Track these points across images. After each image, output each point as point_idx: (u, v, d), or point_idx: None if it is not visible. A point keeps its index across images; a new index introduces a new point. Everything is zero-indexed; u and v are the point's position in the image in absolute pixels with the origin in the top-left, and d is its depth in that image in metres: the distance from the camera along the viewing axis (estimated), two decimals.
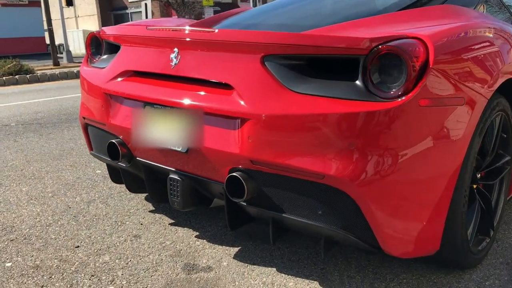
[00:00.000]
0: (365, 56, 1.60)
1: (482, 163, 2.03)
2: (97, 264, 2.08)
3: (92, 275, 1.99)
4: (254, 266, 2.07)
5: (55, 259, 2.12)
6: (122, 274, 2.00)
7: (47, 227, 2.45)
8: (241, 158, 1.76)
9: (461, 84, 1.66)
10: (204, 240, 2.30)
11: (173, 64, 1.98)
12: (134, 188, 2.47)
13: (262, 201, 1.83)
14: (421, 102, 1.55)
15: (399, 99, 1.54)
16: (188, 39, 1.92)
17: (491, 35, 2.00)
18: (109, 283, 1.94)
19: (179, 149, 1.91)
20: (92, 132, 2.52)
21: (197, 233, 2.38)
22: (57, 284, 1.92)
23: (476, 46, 1.82)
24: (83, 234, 2.38)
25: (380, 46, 1.57)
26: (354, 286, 1.93)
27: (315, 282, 1.95)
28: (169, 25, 2.48)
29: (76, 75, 11.33)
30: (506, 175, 2.21)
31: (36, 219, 2.56)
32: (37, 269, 2.03)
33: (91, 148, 2.63)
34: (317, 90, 1.65)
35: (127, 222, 2.51)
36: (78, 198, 2.86)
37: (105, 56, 2.52)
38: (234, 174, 1.78)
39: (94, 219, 2.55)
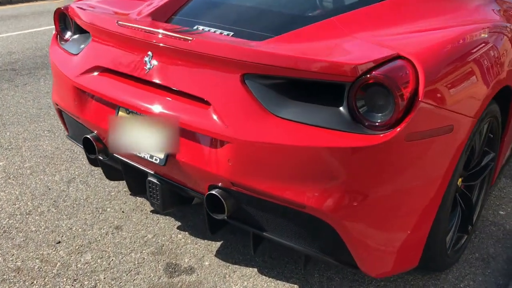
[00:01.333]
0: (351, 83, 1.50)
1: (467, 168, 2.00)
2: (79, 265, 2.08)
3: (74, 280, 2.00)
4: (235, 266, 2.09)
5: (37, 258, 2.12)
6: (104, 278, 2.01)
7: (27, 216, 2.43)
8: (221, 178, 1.70)
9: (451, 111, 1.58)
10: (186, 233, 2.30)
11: (147, 68, 1.84)
12: (112, 177, 2.41)
13: (242, 218, 1.80)
14: (407, 136, 1.47)
15: (386, 132, 1.46)
16: (161, 45, 1.76)
17: (487, 36, 1.89)
18: None
19: (155, 162, 1.84)
20: (67, 118, 2.41)
21: (179, 223, 2.37)
22: None
23: (471, 58, 1.71)
24: (63, 225, 2.36)
25: (366, 75, 1.46)
26: None
27: (295, 286, 1.99)
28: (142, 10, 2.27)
29: None
30: (490, 170, 2.19)
31: (16, 205, 2.52)
32: (18, 273, 2.03)
33: (68, 131, 2.53)
34: (300, 116, 1.56)
35: (108, 209, 2.49)
36: (57, 176, 2.81)
37: (75, 36, 2.35)
38: (213, 192, 1.73)
39: (75, 205, 2.52)
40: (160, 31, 1.78)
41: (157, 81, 1.81)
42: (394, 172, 1.52)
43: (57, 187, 2.70)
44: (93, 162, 2.54)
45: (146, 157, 1.87)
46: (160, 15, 2.16)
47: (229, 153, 1.64)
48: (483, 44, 1.82)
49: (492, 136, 2.09)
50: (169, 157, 1.81)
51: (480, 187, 2.21)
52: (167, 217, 2.42)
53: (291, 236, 1.72)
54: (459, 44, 1.71)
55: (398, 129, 1.44)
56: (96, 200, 2.57)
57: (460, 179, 1.99)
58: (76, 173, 2.85)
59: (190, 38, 1.70)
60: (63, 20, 2.41)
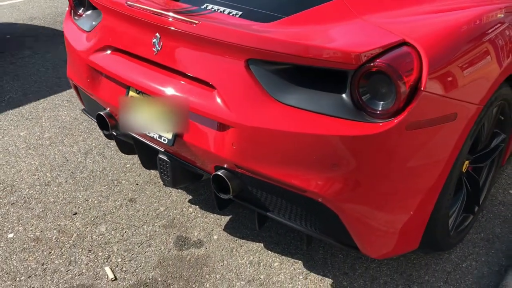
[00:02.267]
0: (354, 71, 1.50)
1: (474, 151, 2.00)
2: (94, 237, 2.19)
3: (89, 251, 2.11)
4: (243, 240, 2.17)
5: (54, 229, 2.24)
6: (117, 250, 2.12)
7: (46, 187, 2.54)
8: (226, 160, 1.74)
9: (455, 100, 1.57)
10: (197, 207, 2.38)
11: (155, 50, 1.86)
12: (126, 151, 2.48)
13: (247, 198, 1.86)
14: (408, 125, 1.48)
15: (387, 120, 1.47)
16: (168, 27, 1.78)
17: (500, 18, 1.84)
18: (105, 260, 2.06)
19: (164, 142, 1.89)
20: (82, 93, 2.46)
21: (190, 197, 2.45)
22: (56, 262, 2.05)
23: (479, 44, 1.68)
24: (80, 196, 2.46)
25: (369, 63, 1.46)
26: (336, 266, 2.04)
27: (299, 262, 2.06)
28: None
29: None
30: (499, 151, 2.18)
31: (35, 175, 2.63)
32: (37, 243, 2.15)
33: (83, 105, 2.59)
34: (304, 102, 1.58)
35: (123, 181, 2.58)
36: (75, 147, 2.90)
37: (88, 12, 2.37)
38: (219, 173, 1.78)
39: (91, 177, 2.62)
40: (167, 13, 1.79)
41: (164, 63, 1.84)
42: (395, 160, 1.54)
43: (75, 158, 2.80)
44: (108, 136, 2.61)
45: (155, 137, 1.92)
46: None
47: (233, 137, 1.67)
48: (495, 28, 1.77)
49: (503, 118, 2.06)
50: (176, 138, 1.85)
51: (488, 169, 2.20)
52: (179, 190, 2.50)
53: (293, 217, 1.77)
54: (469, 29, 1.68)
55: (398, 119, 1.45)
56: (111, 172, 2.66)
57: (466, 162, 1.99)
58: (93, 144, 2.93)
59: (196, 22, 1.71)
60: None
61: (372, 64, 1.46)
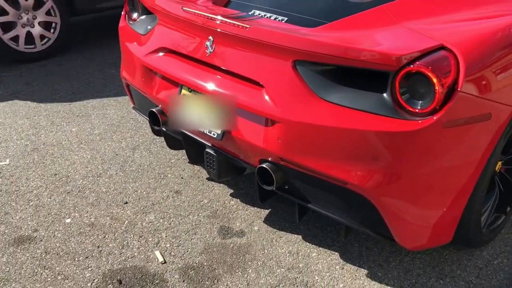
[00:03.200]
0: (394, 72, 1.62)
1: (507, 152, 2.08)
2: (143, 224, 2.36)
3: (140, 236, 2.28)
4: (282, 232, 2.30)
5: (107, 216, 2.42)
6: (166, 236, 2.28)
7: (98, 178, 2.73)
8: (271, 154, 1.89)
9: (489, 101, 1.68)
10: (238, 200, 2.53)
11: (208, 52, 2.03)
12: (173, 146, 2.65)
13: (289, 190, 1.99)
14: (446, 123, 1.59)
15: (425, 118, 1.59)
16: (222, 31, 1.94)
17: None
18: (155, 245, 2.23)
19: (213, 136, 2.05)
20: (133, 91, 2.65)
21: (232, 191, 2.60)
22: (110, 245, 2.22)
23: None
24: (130, 187, 2.64)
25: (410, 65, 1.59)
26: (371, 259, 2.15)
27: (336, 253, 2.18)
28: None
29: None
30: None
31: (88, 168, 2.83)
32: (92, 227, 2.33)
33: (133, 103, 2.78)
34: (346, 100, 1.71)
35: (169, 175, 2.75)
36: (123, 143, 3.10)
37: (143, 17, 2.56)
38: (264, 165, 1.93)
39: (140, 170, 2.80)
40: (220, 18, 1.95)
41: (216, 63, 2.00)
42: (431, 155, 1.65)
43: (124, 153, 2.99)
44: (156, 132, 2.78)
45: (205, 132, 2.08)
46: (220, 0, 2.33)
47: (279, 132, 1.82)
48: None
49: None
50: (225, 133, 2.01)
51: None
52: (221, 185, 2.65)
53: (334, 208, 1.90)
54: (503, 35, 1.78)
55: (436, 116, 1.57)
56: (158, 166, 2.84)
57: (499, 162, 2.08)
58: (140, 141, 3.12)
59: (248, 26, 1.86)
60: (132, 1, 2.62)
61: (412, 65, 1.59)
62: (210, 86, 2.00)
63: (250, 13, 2.14)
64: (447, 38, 1.69)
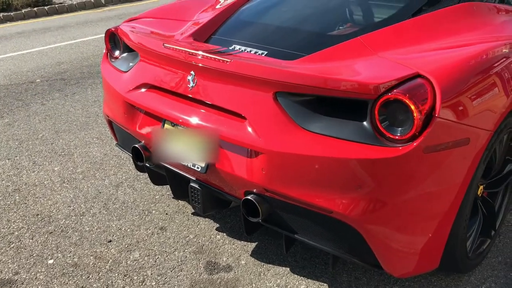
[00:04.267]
0: (373, 100, 1.65)
1: (488, 176, 2.12)
2: (128, 262, 2.32)
3: (125, 275, 2.23)
4: (270, 265, 2.28)
5: (91, 255, 2.37)
6: (151, 274, 2.24)
7: (81, 217, 2.69)
8: (255, 185, 1.89)
9: (467, 125, 1.71)
10: (224, 234, 2.51)
11: (190, 86, 2.05)
12: (157, 182, 2.63)
13: (275, 221, 1.99)
14: (425, 148, 1.62)
15: (406, 144, 1.61)
16: (203, 66, 1.97)
17: (507, 52, 2.00)
18: (140, 283, 2.18)
19: (197, 169, 2.04)
20: (116, 128, 2.65)
21: (218, 225, 2.58)
22: (94, 285, 2.17)
23: (488, 75, 1.84)
24: (114, 226, 2.60)
25: (388, 93, 1.62)
26: None
27: (325, 285, 2.15)
28: (187, 20, 2.49)
29: (94, 5, 11.17)
30: None
31: (70, 207, 2.79)
32: (76, 268, 2.28)
33: (116, 140, 2.77)
34: (328, 129, 1.73)
35: (153, 211, 2.72)
36: (107, 180, 3.07)
37: (124, 55, 2.59)
38: (249, 197, 1.92)
39: (123, 207, 2.77)
40: (201, 52, 1.98)
41: (199, 97, 2.02)
42: (413, 181, 1.67)
43: (107, 190, 2.96)
44: (140, 168, 2.77)
45: (189, 166, 2.08)
46: (200, 35, 2.38)
47: (262, 162, 1.82)
48: (502, 61, 1.93)
49: None
50: (209, 166, 2.01)
51: (503, 194, 2.31)
52: (207, 219, 2.63)
53: (320, 238, 1.89)
54: (477, 62, 1.84)
55: (416, 142, 1.59)
56: (142, 203, 2.81)
57: (481, 187, 2.10)
58: (124, 177, 3.10)
59: (229, 60, 1.89)
60: (113, 39, 2.66)
61: (390, 93, 1.62)
62: (193, 119, 2.01)
63: (230, 48, 2.18)
64: (422, 66, 1.74)
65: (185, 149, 2.09)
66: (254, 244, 2.42)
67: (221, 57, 1.92)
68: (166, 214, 2.69)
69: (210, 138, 1.97)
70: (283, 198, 1.84)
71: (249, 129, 1.85)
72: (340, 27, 2.35)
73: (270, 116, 1.83)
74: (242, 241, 2.45)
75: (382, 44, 2.02)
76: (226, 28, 2.48)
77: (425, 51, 1.96)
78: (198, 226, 2.57)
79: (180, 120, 2.05)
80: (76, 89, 4.93)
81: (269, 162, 1.81)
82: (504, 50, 2.01)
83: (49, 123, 4.05)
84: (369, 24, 2.31)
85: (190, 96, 2.05)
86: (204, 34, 2.41)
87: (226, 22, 2.54)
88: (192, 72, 2.04)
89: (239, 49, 2.16)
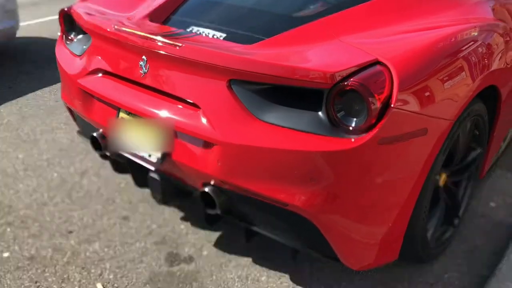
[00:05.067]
0: (329, 89, 1.59)
1: (450, 165, 2.08)
2: (87, 254, 2.26)
3: (82, 268, 2.18)
4: (232, 256, 2.24)
5: (49, 247, 2.30)
6: (110, 266, 2.18)
7: (42, 207, 2.61)
8: (212, 177, 1.82)
9: (425, 115, 1.66)
10: (188, 224, 2.45)
11: (142, 72, 1.96)
12: (120, 170, 2.56)
13: (234, 213, 1.93)
14: (380, 140, 1.56)
15: (359, 136, 1.56)
16: (153, 50, 1.88)
17: (473, 36, 1.94)
18: (98, 277, 2.12)
19: (153, 160, 1.97)
20: (76, 115, 2.56)
21: (182, 214, 2.52)
22: (50, 279, 2.11)
23: (450, 62, 1.78)
24: (76, 215, 2.54)
25: (343, 82, 1.56)
26: (322, 280, 2.10)
27: (286, 275, 2.12)
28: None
29: None
30: (476, 165, 2.26)
31: (32, 196, 2.71)
32: (32, 261, 2.22)
33: (78, 127, 2.69)
34: (283, 120, 1.67)
35: (117, 200, 2.65)
36: (72, 168, 2.99)
37: (80, 36, 2.48)
38: (206, 189, 1.86)
39: (87, 196, 2.69)
40: (153, 36, 1.89)
41: (152, 84, 1.94)
42: (369, 172, 1.62)
43: (72, 178, 2.88)
44: (103, 156, 2.69)
45: (144, 156, 2.00)
46: (158, 16, 2.27)
47: (218, 154, 1.76)
48: (469, 45, 1.87)
49: (478, 133, 2.15)
50: (165, 157, 1.94)
51: (467, 182, 2.28)
52: (172, 208, 2.57)
53: (278, 231, 1.85)
54: (443, 47, 1.78)
55: (371, 134, 1.54)
56: (106, 191, 2.74)
57: (444, 175, 2.06)
58: (89, 165, 3.02)
59: (180, 44, 1.81)
60: (68, 20, 2.54)
61: (345, 83, 1.56)
62: (147, 108, 1.93)
63: (187, 30, 2.09)
64: (383, 52, 1.67)
65: (140, 139, 2.02)
66: (217, 234, 2.37)
67: (172, 41, 1.83)
68: (130, 203, 2.63)
69: (164, 128, 1.90)
70: (240, 190, 1.79)
71: (203, 119, 1.78)
72: (310, 7, 2.26)
73: (224, 106, 1.75)
74: (205, 231, 2.40)
75: (346, 27, 1.94)
76: (187, 8, 2.38)
77: (389, 34, 1.89)
78: (162, 216, 2.52)
79: (134, 109, 1.97)
80: (46, 71, 4.79)
81: (224, 153, 1.74)
82: (472, 34, 1.95)
83: (15, 107, 3.93)
84: (335, 5, 2.22)
85: (143, 83, 1.97)
86: (162, 14, 2.31)
87: (187, 1, 2.44)
88: (144, 57, 1.95)
89: (197, 31, 2.07)
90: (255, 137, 1.68)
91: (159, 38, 1.88)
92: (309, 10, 2.20)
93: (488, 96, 2.11)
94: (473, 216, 2.46)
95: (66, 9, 2.49)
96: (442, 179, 2.06)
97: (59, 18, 2.53)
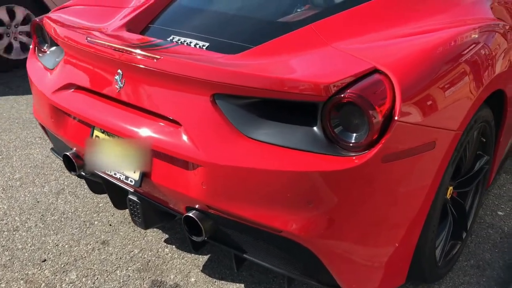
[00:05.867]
0: (324, 103, 1.42)
1: (457, 176, 1.92)
2: (63, 286, 2.06)
3: None
4: (222, 281, 2.05)
5: (21, 279, 2.10)
6: None
7: (14, 233, 2.40)
8: (196, 201, 1.64)
9: (432, 128, 1.49)
10: (173, 247, 2.26)
11: (118, 87, 1.77)
12: (97, 191, 2.36)
13: (222, 239, 1.75)
14: (384, 157, 1.39)
15: (361, 154, 1.39)
16: (130, 63, 1.69)
17: (475, 39, 1.78)
18: None
19: (131, 183, 1.78)
20: (49, 132, 2.36)
21: (167, 236, 2.33)
22: None
23: (454, 67, 1.61)
24: (50, 241, 2.33)
25: (340, 94, 1.38)
26: None
27: None
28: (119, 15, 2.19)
29: None
30: (484, 173, 2.10)
31: (3, 220, 2.50)
32: None
33: (52, 144, 2.48)
34: (273, 137, 1.49)
35: (95, 222, 2.45)
36: (47, 187, 2.78)
37: (53, 48, 2.28)
38: (190, 214, 1.68)
39: (62, 219, 2.49)
40: (129, 48, 1.70)
41: (128, 100, 1.75)
42: (372, 194, 1.45)
43: (46, 199, 2.67)
44: (79, 176, 2.49)
45: (121, 178, 1.81)
46: (136, 25, 2.08)
47: (202, 176, 1.57)
48: (470, 49, 1.71)
49: (485, 140, 1.99)
50: (144, 178, 1.75)
51: (474, 192, 2.12)
52: (155, 229, 2.38)
53: (272, 258, 1.67)
54: (443, 51, 1.61)
55: (373, 151, 1.37)
56: (84, 212, 2.54)
57: (450, 188, 1.90)
58: (66, 183, 2.81)
59: (158, 56, 1.62)
60: (40, 31, 2.34)
61: (342, 95, 1.38)
62: (123, 126, 1.74)
63: (167, 39, 1.91)
64: (381, 59, 1.50)
65: (116, 159, 1.82)
66: (206, 258, 2.19)
67: (149, 53, 1.64)
68: (110, 225, 2.43)
69: (141, 147, 1.71)
70: (227, 216, 1.60)
71: (185, 137, 1.59)
72: (298, 12, 2.09)
73: (208, 122, 1.57)
74: (192, 255, 2.21)
75: (339, 32, 1.77)
76: (167, 16, 2.19)
77: (386, 39, 1.72)
78: (145, 238, 2.32)
79: (109, 127, 1.78)
80: (22, 82, 4.56)
81: (209, 175, 1.56)
82: (473, 36, 1.79)
83: None
84: (325, 9, 2.05)
85: (119, 98, 1.77)
86: (141, 24, 2.12)
87: (167, 9, 2.25)
88: (119, 71, 1.75)
89: (178, 40, 1.89)
90: (243, 157, 1.50)
91: (135, 50, 1.68)
92: (298, 15, 2.03)
93: (494, 100, 1.96)
94: (481, 228, 2.31)
95: (37, 20, 2.29)
96: (449, 191, 1.89)
97: (31, 29, 2.33)
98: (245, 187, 1.51)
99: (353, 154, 1.39)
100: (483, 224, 2.34)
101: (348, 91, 1.38)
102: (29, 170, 2.97)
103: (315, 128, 1.46)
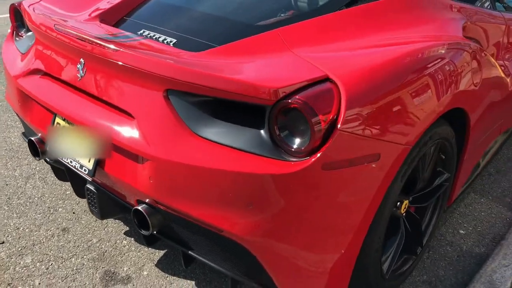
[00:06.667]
0: (271, 106, 1.43)
1: (411, 191, 1.92)
2: (17, 269, 2.07)
3: (9, 284, 1.99)
4: (174, 277, 2.06)
5: None
6: (39, 284, 2.00)
7: None
8: (144, 194, 1.65)
9: (378, 140, 1.50)
10: (132, 239, 2.27)
11: (79, 75, 1.79)
12: (62, 178, 2.37)
13: (169, 235, 1.76)
14: (324, 165, 1.40)
15: (301, 160, 1.39)
16: (90, 53, 1.70)
17: (436, 55, 1.78)
18: None
19: (85, 172, 1.80)
20: (19, 116, 2.37)
21: (127, 229, 2.34)
22: None
23: (409, 82, 1.62)
24: (12, 224, 2.34)
25: (286, 99, 1.39)
26: None
27: None
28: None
29: None
30: (444, 191, 2.11)
31: None
32: None
33: (24, 128, 2.50)
34: (222, 137, 1.50)
35: (59, 209, 2.47)
36: (18, 171, 2.79)
37: (29, 33, 2.30)
38: (139, 208, 1.68)
39: (28, 203, 2.50)
40: (92, 39, 1.71)
41: (86, 89, 1.76)
42: (312, 200, 1.45)
43: (15, 182, 2.68)
44: (47, 161, 2.51)
45: (77, 167, 1.83)
46: (110, 17, 2.10)
47: (150, 170, 1.58)
48: (429, 66, 1.71)
49: (444, 157, 2.00)
50: (97, 168, 1.76)
51: (433, 209, 2.12)
52: (116, 221, 2.39)
53: (215, 257, 1.67)
54: (400, 65, 1.62)
55: (313, 158, 1.37)
56: (50, 198, 2.55)
57: (405, 202, 1.90)
58: (37, 168, 2.83)
59: (117, 48, 1.63)
60: (19, 15, 2.36)
61: (289, 100, 1.39)
62: (80, 115, 1.75)
63: (138, 33, 1.92)
64: (336, 68, 1.51)
65: (73, 147, 1.84)
66: (162, 253, 2.20)
67: (110, 45, 1.66)
68: (73, 213, 2.44)
69: (95, 137, 1.72)
70: (173, 211, 1.61)
71: (137, 130, 1.61)
72: (272, 16, 2.10)
73: (160, 117, 1.58)
74: (150, 249, 2.22)
75: (302, 39, 1.78)
76: (143, 10, 2.21)
77: (347, 49, 1.73)
78: (105, 229, 2.33)
79: (68, 115, 1.79)
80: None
81: (157, 170, 1.57)
82: (435, 52, 1.79)
83: None
84: (296, 15, 2.07)
85: (79, 87, 1.79)
86: (116, 16, 2.14)
87: (146, 3, 2.27)
88: (81, 60, 1.77)
89: (147, 35, 1.90)
90: (190, 154, 1.51)
91: (97, 41, 1.69)
92: (270, 19, 2.04)
93: (456, 117, 1.96)
94: (440, 245, 2.31)
95: (16, 4, 2.31)
96: (403, 206, 1.90)
97: (10, 13, 2.35)
98: (189, 184, 1.52)
99: (295, 160, 1.40)
100: (443, 241, 2.34)
101: (296, 97, 1.39)
102: (3, 153, 2.99)
103: (262, 131, 1.47)
